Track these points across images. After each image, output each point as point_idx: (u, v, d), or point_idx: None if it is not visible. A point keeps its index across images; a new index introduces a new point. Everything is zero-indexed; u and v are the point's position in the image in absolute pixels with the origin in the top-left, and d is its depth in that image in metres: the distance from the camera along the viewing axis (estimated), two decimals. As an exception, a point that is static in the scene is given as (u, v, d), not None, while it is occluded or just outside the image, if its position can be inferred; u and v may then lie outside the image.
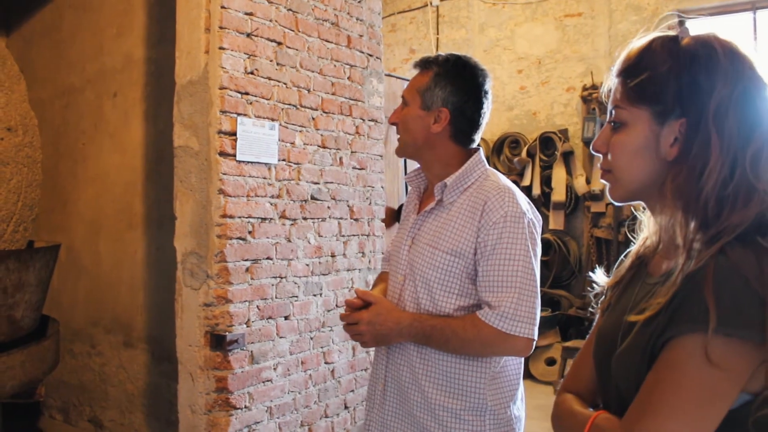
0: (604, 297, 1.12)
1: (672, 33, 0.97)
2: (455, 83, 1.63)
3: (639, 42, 0.99)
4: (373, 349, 1.76)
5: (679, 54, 0.93)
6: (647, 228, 1.07)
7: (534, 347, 1.55)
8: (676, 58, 0.93)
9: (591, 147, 1.06)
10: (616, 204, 1.05)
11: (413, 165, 1.93)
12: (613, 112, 1.00)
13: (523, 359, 1.67)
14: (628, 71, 0.98)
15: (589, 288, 1.16)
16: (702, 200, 0.88)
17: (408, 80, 1.78)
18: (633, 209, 1.12)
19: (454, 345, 1.54)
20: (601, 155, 1.03)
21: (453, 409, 1.57)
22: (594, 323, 1.14)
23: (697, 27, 6.08)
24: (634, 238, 1.11)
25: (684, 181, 0.90)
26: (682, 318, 0.85)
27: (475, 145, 1.71)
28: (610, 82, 1.02)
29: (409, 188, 1.82)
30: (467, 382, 1.57)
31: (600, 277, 1.14)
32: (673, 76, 0.93)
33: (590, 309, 1.14)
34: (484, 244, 1.53)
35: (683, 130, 0.92)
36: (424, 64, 1.69)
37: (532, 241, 1.55)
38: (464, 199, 1.61)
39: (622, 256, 1.13)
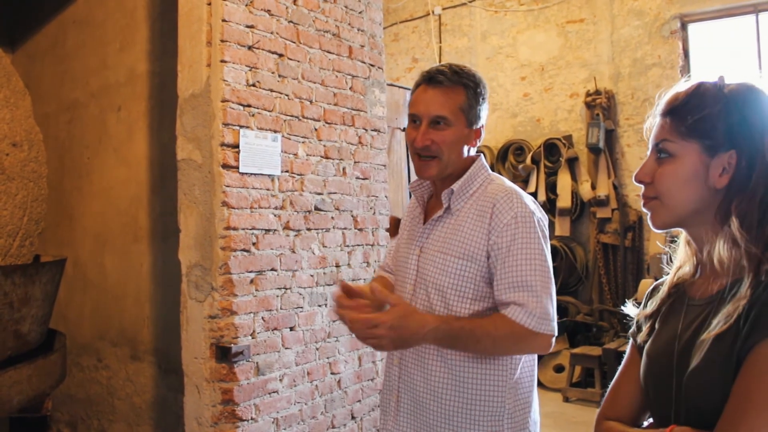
0: (636, 327, 1.20)
1: (714, 80, 1.07)
2: (485, 97, 1.68)
3: (684, 86, 1.09)
4: (382, 359, 1.74)
5: (728, 97, 1.04)
6: (680, 257, 1.15)
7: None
8: (726, 100, 1.03)
9: (634, 178, 1.14)
10: (657, 231, 1.14)
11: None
12: (659, 145, 1.08)
13: (536, 364, 1.69)
14: (678, 110, 1.07)
15: (623, 320, 1.23)
16: (765, 223, 0.98)
17: (410, 89, 1.76)
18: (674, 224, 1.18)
19: (486, 344, 1.52)
20: (643, 185, 1.11)
21: (471, 415, 1.57)
22: (627, 354, 1.22)
23: (700, 31, 6.07)
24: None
25: (746, 207, 0.99)
26: (766, 323, 0.91)
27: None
28: (652, 120, 1.11)
29: (411, 198, 1.82)
30: (487, 388, 1.57)
31: (632, 309, 1.22)
32: (723, 115, 1.03)
33: (625, 338, 1.21)
34: (498, 246, 1.54)
35: (733, 162, 1.01)
36: (449, 79, 1.62)
37: (544, 239, 1.58)
38: (471, 204, 1.62)
39: (649, 289, 1.22)
